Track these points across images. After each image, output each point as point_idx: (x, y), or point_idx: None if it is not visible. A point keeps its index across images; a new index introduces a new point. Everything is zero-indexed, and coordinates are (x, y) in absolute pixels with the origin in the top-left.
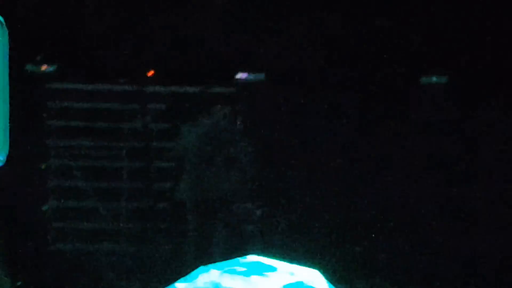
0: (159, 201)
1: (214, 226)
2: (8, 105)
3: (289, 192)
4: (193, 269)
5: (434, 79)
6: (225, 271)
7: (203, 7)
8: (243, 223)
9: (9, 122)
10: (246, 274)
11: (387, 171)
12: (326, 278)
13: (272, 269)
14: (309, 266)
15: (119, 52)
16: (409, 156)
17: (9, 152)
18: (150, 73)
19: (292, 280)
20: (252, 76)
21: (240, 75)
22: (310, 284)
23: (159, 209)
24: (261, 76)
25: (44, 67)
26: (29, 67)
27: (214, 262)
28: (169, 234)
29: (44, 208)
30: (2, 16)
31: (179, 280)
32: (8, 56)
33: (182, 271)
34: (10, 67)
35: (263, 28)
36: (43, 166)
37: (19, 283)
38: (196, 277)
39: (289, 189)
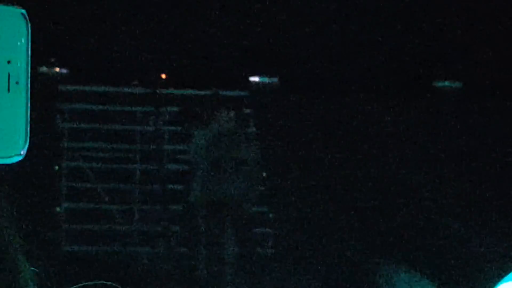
0: (172, 203)
1: (225, 228)
2: (29, 99)
3: (300, 195)
4: (205, 271)
5: (447, 83)
6: None
7: (217, 11)
8: (254, 226)
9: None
10: None
11: (402, 173)
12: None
13: None
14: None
15: (132, 55)
16: (425, 159)
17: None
18: (163, 76)
19: None
20: (265, 80)
21: (254, 79)
22: None
23: (171, 211)
24: (274, 79)
25: (57, 69)
26: (42, 69)
27: (226, 263)
28: (181, 235)
29: (58, 209)
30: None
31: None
32: (30, 49)
33: (194, 273)
34: None
35: (276, 32)
36: (56, 168)
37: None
38: None
39: (300, 191)
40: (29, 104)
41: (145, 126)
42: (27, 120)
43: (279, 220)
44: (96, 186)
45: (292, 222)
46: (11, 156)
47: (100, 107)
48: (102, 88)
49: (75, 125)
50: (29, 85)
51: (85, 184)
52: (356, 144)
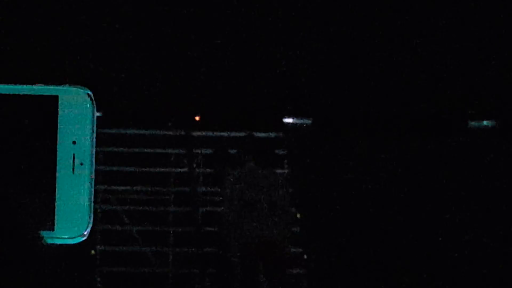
0: (206, 245)
1: (259, 270)
2: (94, 180)
3: (334, 235)
4: None
5: (484, 123)
6: None
7: (250, 53)
8: (288, 267)
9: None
10: None
11: (438, 213)
12: None
13: None
14: None
15: (166, 97)
16: (462, 198)
17: None
18: (197, 118)
19: None
20: (299, 121)
21: (287, 120)
22: None
23: (206, 253)
24: (308, 121)
25: None
26: None
27: None
28: (216, 278)
29: (92, 252)
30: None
31: None
32: (96, 129)
33: None
34: None
35: (310, 74)
36: None
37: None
38: None
39: (334, 232)
40: (93, 185)
41: (179, 168)
42: (90, 201)
43: (314, 261)
44: (131, 228)
45: (326, 263)
46: (74, 237)
47: (134, 149)
48: (136, 131)
49: (109, 168)
50: (93, 166)
51: (119, 226)
52: (392, 184)
